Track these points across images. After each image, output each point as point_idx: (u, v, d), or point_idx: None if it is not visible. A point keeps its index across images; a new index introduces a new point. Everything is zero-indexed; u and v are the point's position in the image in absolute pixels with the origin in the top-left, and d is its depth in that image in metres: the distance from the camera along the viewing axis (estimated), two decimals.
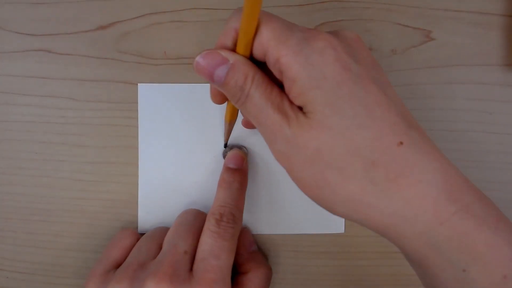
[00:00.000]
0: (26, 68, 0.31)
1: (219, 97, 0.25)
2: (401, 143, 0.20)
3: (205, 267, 0.24)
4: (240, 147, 0.31)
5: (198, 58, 0.22)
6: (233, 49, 0.22)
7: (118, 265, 0.27)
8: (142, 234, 0.29)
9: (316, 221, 0.31)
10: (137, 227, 0.31)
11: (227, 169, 0.29)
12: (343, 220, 0.31)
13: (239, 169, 0.29)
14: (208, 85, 0.31)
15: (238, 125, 0.31)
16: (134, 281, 0.24)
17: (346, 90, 0.20)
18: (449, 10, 0.31)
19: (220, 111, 0.31)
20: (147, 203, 0.31)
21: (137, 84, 0.31)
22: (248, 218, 0.31)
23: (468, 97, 0.31)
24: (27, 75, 0.31)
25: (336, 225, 0.31)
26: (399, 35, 0.31)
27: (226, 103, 0.26)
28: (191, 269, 0.25)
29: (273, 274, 0.31)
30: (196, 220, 0.28)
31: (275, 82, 0.22)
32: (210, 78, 0.22)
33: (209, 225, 0.26)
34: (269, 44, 0.21)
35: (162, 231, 0.28)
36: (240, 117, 0.29)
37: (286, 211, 0.31)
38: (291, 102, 0.21)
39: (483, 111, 0.31)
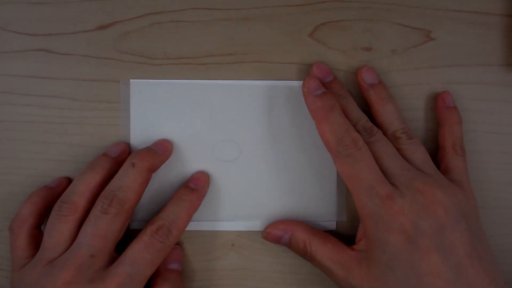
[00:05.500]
0: (26, 68, 0.31)
1: None
2: None
3: (117, 272, 0.26)
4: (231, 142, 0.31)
5: (267, 230, 0.30)
6: None
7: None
8: (124, 224, 0.28)
9: (308, 213, 0.31)
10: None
11: (185, 187, 0.30)
12: (334, 220, 0.31)
13: (196, 190, 0.29)
14: (201, 82, 0.31)
15: (229, 117, 0.31)
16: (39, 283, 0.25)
17: (402, 258, 0.24)
18: (449, 10, 0.31)
19: (213, 107, 0.31)
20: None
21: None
22: (239, 214, 0.31)
23: (468, 97, 0.31)
24: (27, 75, 0.31)
25: (329, 218, 0.31)
26: (399, 35, 0.31)
27: None
28: (105, 267, 0.26)
29: (272, 274, 0.31)
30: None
31: None
32: (278, 243, 0.30)
33: (143, 234, 0.27)
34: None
35: (69, 205, 0.27)
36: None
37: (276, 205, 0.31)
38: (350, 253, 0.27)
39: (483, 111, 0.31)
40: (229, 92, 0.31)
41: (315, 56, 0.31)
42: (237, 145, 0.31)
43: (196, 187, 0.30)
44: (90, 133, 0.31)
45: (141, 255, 0.26)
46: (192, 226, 0.31)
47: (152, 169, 0.29)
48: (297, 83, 0.31)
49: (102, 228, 0.26)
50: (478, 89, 0.31)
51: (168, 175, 0.31)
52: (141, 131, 0.31)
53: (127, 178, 0.27)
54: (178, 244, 0.31)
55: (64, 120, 0.31)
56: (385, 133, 0.28)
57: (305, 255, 0.28)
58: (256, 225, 0.31)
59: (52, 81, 0.31)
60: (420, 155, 0.28)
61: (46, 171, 0.31)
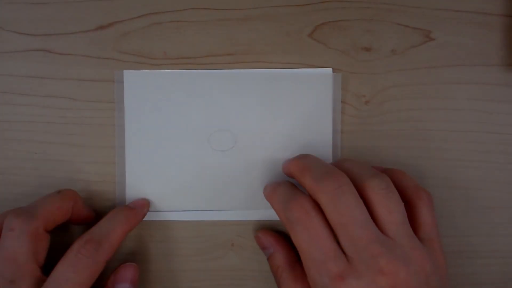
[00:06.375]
0: (26, 68, 0.31)
1: None
2: None
3: None
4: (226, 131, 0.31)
5: (259, 234, 0.30)
6: None
7: None
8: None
9: None
10: None
11: (123, 206, 0.30)
12: None
13: (134, 208, 0.29)
14: (196, 71, 0.31)
15: (224, 107, 0.31)
16: None
17: None
18: (449, 10, 0.31)
19: (208, 97, 0.31)
20: (135, 190, 0.31)
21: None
22: (235, 203, 0.31)
23: (468, 97, 0.31)
24: (27, 75, 0.31)
25: None
26: (399, 35, 0.31)
27: None
28: None
29: (271, 274, 0.31)
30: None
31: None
32: (262, 250, 0.30)
33: (69, 251, 0.25)
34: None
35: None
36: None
37: None
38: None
39: (483, 111, 0.31)
40: (224, 81, 0.31)
41: (315, 56, 0.31)
42: (232, 134, 0.31)
43: (135, 206, 0.29)
44: (90, 133, 0.31)
45: (66, 276, 0.24)
46: (187, 216, 0.31)
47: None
48: (294, 71, 0.31)
49: (8, 250, 0.24)
50: (478, 89, 0.31)
51: (165, 165, 0.31)
52: (136, 122, 0.31)
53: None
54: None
55: (64, 120, 0.31)
56: (354, 182, 0.25)
57: (274, 277, 0.28)
58: (252, 214, 0.31)
59: (52, 81, 0.31)
60: (397, 216, 0.24)
61: (46, 171, 0.31)
